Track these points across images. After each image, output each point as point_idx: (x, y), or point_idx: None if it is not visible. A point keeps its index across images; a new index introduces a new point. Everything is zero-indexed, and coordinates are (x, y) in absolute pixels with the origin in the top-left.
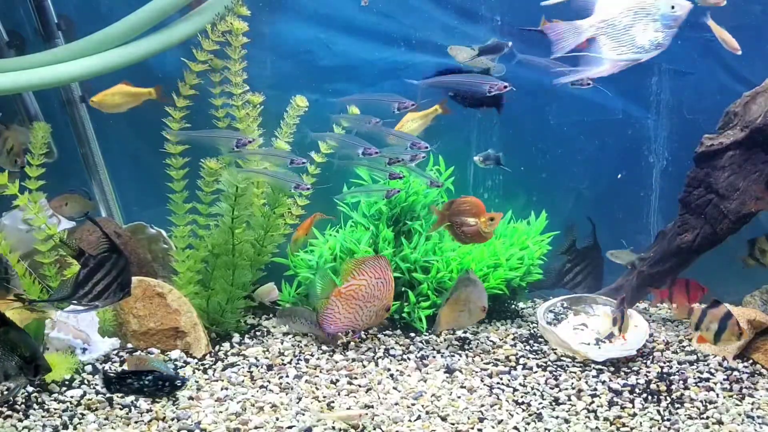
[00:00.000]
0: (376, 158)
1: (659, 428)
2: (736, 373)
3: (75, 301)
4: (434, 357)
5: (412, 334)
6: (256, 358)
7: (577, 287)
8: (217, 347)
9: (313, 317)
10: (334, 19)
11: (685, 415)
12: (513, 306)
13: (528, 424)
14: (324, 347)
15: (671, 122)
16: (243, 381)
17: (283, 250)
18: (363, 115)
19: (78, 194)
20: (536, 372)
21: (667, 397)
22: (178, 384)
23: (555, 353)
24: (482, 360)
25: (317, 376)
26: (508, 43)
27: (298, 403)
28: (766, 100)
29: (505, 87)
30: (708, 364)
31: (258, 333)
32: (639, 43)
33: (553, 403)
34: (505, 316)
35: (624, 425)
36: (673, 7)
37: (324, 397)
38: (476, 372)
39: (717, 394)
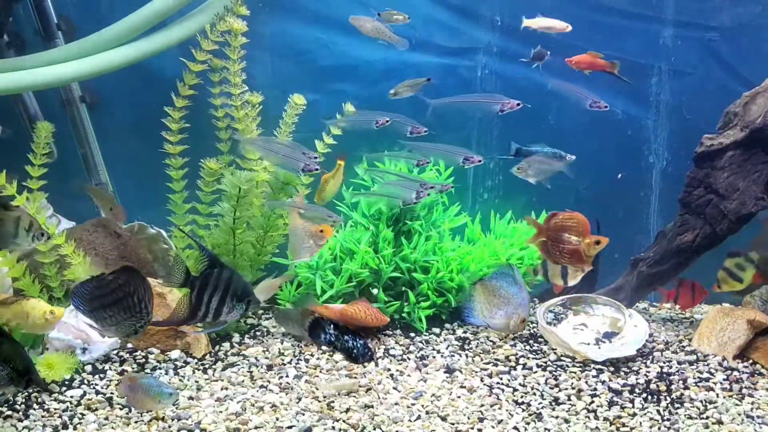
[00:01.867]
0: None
1: (659, 428)
2: (735, 373)
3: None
4: (434, 357)
5: (412, 334)
6: (256, 358)
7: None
8: (216, 347)
9: (292, 314)
10: (334, 19)
11: (685, 414)
12: None
13: (528, 424)
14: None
15: (671, 122)
16: (243, 381)
17: (282, 250)
18: (367, 112)
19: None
20: (536, 372)
21: (667, 397)
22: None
23: (555, 353)
24: (482, 360)
25: (317, 376)
26: (547, 53)
27: (298, 403)
28: (766, 101)
29: (518, 105)
30: (708, 364)
31: (258, 333)
32: None
33: (553, 403)
34: None
35: (624, 425)
36: None
37: (324, 397)
38: (476, 372)
39: (717, 394)
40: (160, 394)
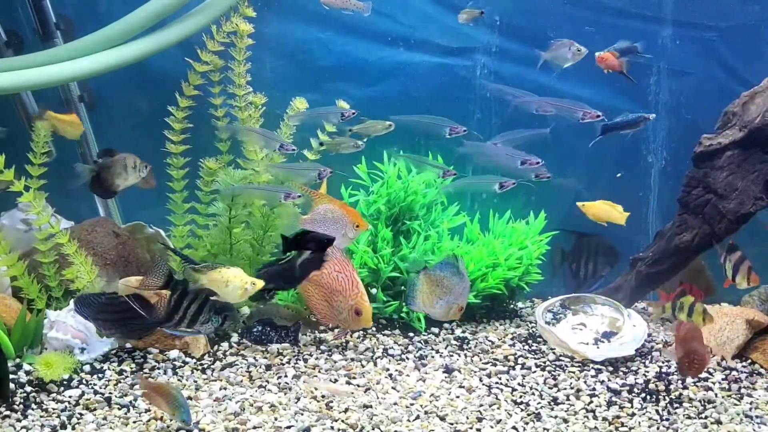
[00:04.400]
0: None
1: (658, 428)
2: (734, 372)
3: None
4: (433, 357)
5: (411, 334)
6: (254, 357)
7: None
8: (215, 347)
9: (282, 312)
10: (333, 19)
11: (684, 414)
12: (512, 306)
13: (527, 423)
14: (323, 347)
15: (670, 122)
16: (242, 381)
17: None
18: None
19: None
20: (535, 372)
21: (666, 397)
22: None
23: (554, 353)
24: (481, 360)
25: (316, 376)
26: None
27: (296, 403)
28: (765, 101)
29: (598, 116)
30: None
31: None
32: None
33: (552, 403)
34: (504, 316)
35: (623, 425)
36: None
37: (323, 396)
38: (475, 372)
39: (715, 394)
40: (177, 410)
